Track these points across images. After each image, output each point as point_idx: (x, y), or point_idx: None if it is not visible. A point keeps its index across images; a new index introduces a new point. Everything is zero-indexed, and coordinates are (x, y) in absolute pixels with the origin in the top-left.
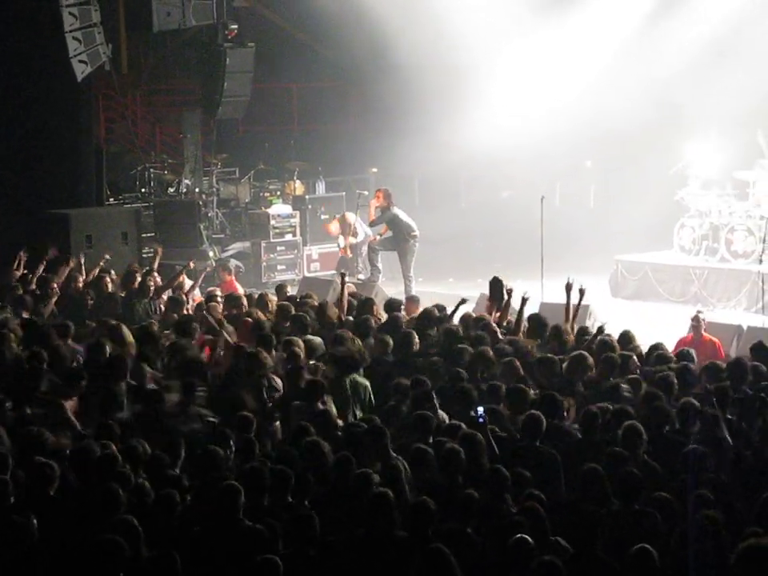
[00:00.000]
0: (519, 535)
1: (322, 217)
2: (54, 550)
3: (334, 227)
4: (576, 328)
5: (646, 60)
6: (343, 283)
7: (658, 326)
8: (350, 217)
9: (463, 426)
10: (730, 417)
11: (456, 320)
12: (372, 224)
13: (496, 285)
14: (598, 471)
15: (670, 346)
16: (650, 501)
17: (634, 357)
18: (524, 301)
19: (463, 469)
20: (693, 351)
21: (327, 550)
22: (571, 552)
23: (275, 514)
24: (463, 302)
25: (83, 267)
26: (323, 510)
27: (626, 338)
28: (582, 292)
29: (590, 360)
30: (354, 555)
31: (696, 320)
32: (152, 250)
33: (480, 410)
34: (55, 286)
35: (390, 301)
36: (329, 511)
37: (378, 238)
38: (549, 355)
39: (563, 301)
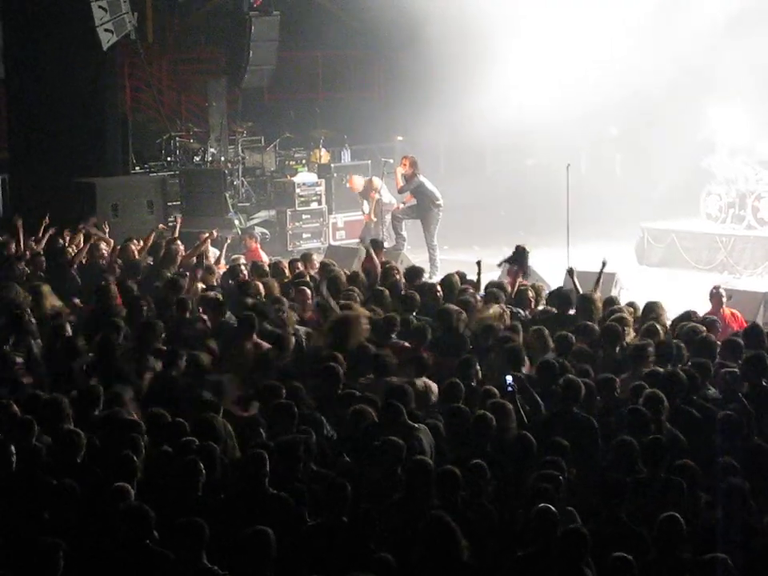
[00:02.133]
0: (542, 504)
1: (347, 185)
2: (87, 515)
3: (358, 182)
4: (602, 297)
5: (673, 25)
6: (377, 251)
7: (685, 294)
8: (376, 181)
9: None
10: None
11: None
12: (400, 191)
13: (521, 252)
14: (627, 441)
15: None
16: (675, 469)
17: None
18: (603, 265)
19: (493, 436)
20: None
21: (360, 519)
22: (596, 520)
23: (303, 481)
24: (479, 265)
25: (105, 234)
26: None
27: (651, 308)
28: (603, 263)
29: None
30: (388, 524)
31: (716, 294)
32: (174, 218)
33: (509, 378)
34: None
35: (410, 268)
36: (361, 479)
37: (402, 206)
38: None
39: (590, 269)
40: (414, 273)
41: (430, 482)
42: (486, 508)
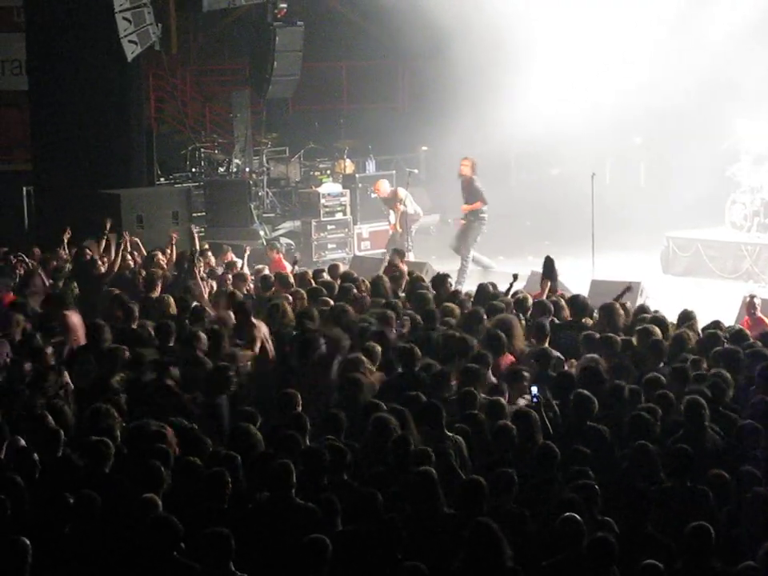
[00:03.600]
0: (568, 513)
1: (372, 195)
2: (112, 526)
3: (384, 186)
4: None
5: (697, 34)
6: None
7: (710, 303)
8: (401, 191)
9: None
10: None
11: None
12: (469, 199)
13: (549, 264)
14: (647, 447)
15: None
16: (702, 478)
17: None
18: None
19: (514, 446)
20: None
21: (388, 527)
22: (621, 530)
23: (333, 491)
24: (515, 278)
25: (140, 245)
26: (384, 487)
27: (685, 316)
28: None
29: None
30: (409, 532)
31: (751, 305)
32: (199, 229)
33: (534, 390)
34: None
35: (436, 276)
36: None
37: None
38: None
39: (615, 278)
40: (439, 281)
41: (436, 492)
42: (516, 516)
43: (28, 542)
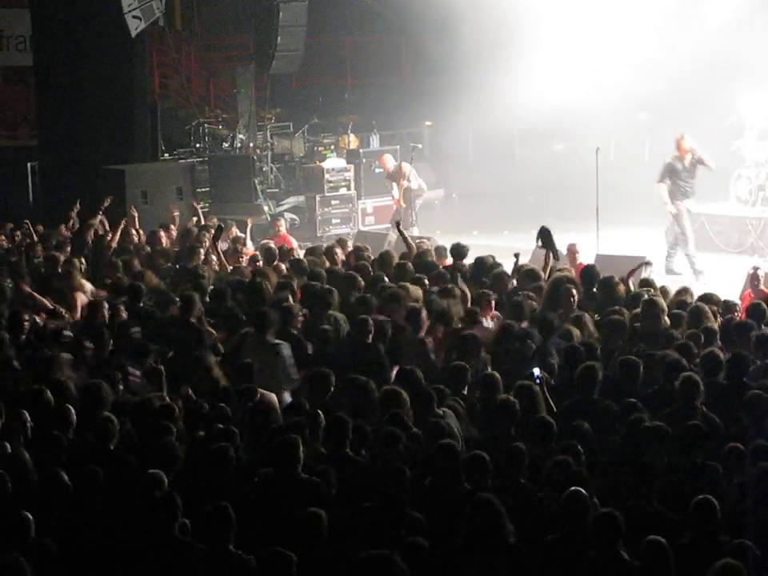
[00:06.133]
0: (573, 488)
1: (376, 171)
2: (116, 502)
3: (389, 160)
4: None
5: (701, 11)
6: (402, 233)
7: (715, 277)
8: (405, 166)
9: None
10: None
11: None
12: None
13: (546, 234)
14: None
15: (727, 296)
16: (710, 453)
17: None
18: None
19: (517, 421)
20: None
21: (389, 503)
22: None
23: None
24: (517, 256)
25: (137, 221)
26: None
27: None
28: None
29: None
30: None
31: (755, 277)
32: (202, 204)
33: (536, 370)
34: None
35: (455, 246)
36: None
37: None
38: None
39: (620, 253)
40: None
41: (458, 466)
42: (523, 490)
43: (30, 516)
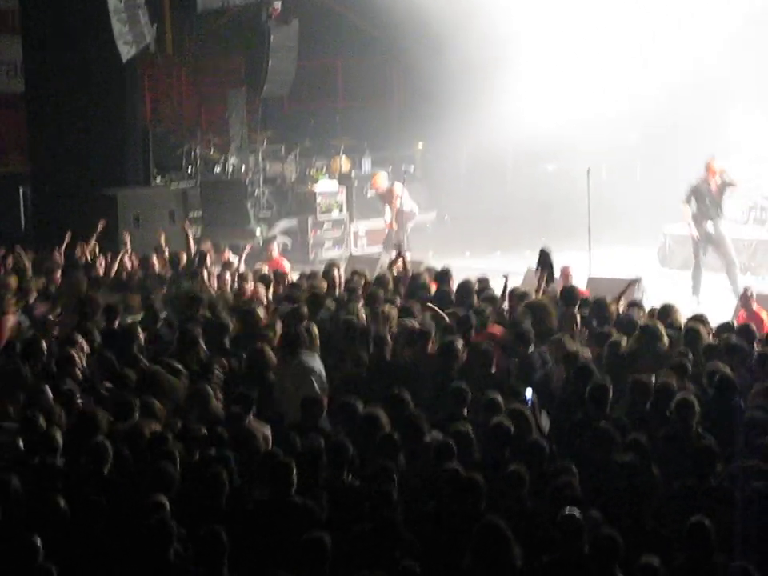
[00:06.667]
0: (568, 509)
1: (368, 194)
2: (111, 527)
3: (381, 180)
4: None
5: (692, 32)
6: (402, 258)
7: (708, 296)
8: (397, 187)
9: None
10: None
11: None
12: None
13: (546, 256)
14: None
15: (720, 316)
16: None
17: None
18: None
19: (510, 443)
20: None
21: (384, 526)
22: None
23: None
24: (506, 278)
25: (128, 245)
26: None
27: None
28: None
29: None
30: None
31: (745, 297)
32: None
33: (528, 392)
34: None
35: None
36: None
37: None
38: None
39: (611, 275)
40: (443, 275)
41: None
42: (529, 515)
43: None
